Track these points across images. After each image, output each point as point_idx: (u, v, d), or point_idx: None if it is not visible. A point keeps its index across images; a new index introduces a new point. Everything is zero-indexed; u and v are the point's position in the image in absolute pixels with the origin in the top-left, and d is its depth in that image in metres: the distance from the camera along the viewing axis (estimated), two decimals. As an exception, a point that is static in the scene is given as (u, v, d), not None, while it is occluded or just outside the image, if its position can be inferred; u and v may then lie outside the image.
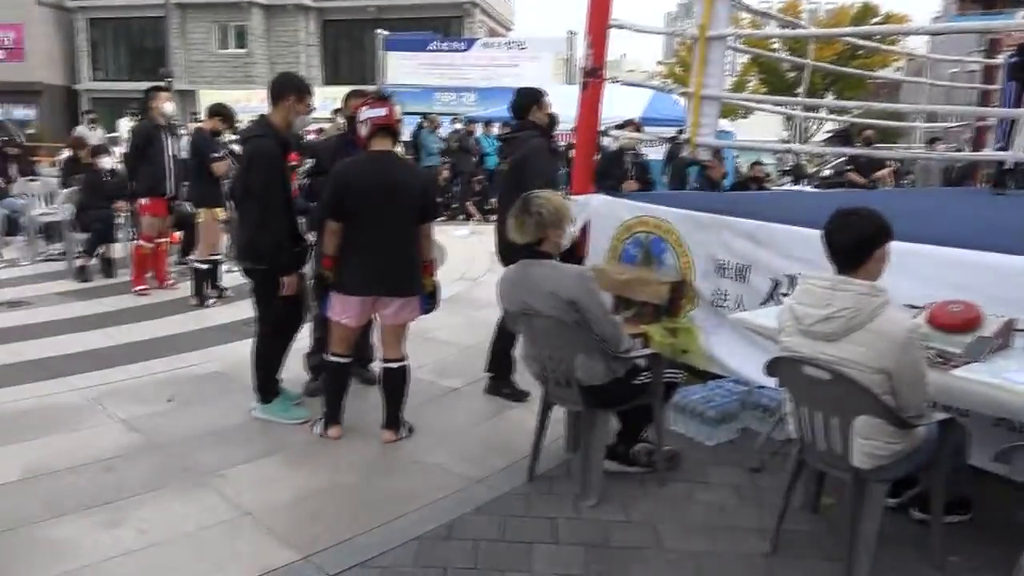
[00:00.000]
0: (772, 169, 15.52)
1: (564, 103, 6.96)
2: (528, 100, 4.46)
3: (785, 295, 4.05)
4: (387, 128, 3.75)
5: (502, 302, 3.41)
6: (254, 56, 30.32)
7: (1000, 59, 8.23)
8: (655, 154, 10.44)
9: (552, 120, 4.55)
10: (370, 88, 5.19)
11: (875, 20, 29.87)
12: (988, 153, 7.46)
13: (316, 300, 3.94)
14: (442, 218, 12.69)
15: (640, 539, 2.99)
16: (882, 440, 2.59)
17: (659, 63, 33.84)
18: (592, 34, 5.59)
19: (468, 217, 13.42)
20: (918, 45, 21.51)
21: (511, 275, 3.35)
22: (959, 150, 11.21)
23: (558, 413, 3.57)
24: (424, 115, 15.46)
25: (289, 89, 3.96)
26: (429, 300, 3.94)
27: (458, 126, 15.07)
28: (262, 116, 4.08)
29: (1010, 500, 2.89)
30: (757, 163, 11.47)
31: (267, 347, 4.10)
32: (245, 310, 4.63)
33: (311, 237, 4.17)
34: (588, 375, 3.21)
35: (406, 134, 14.24)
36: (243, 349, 4.46)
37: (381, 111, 3.72)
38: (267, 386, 4.12)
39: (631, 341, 3.39)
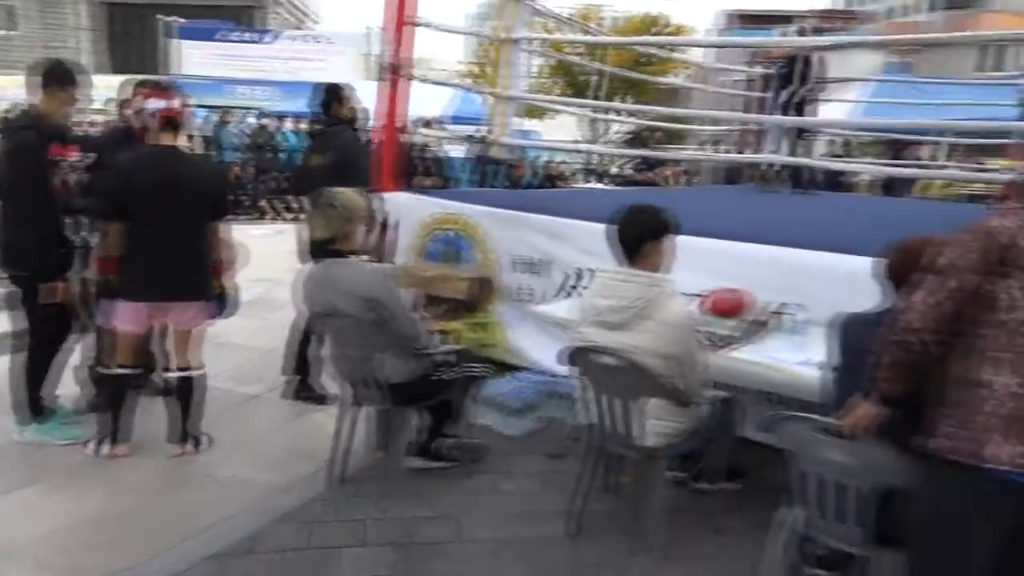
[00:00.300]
0: (575, 168, 16.21)
1: (366, 100, 6.83)
2: (329, 97, 4.44)
3: (579, 288, 4.26)
4: (171, 121, 3.50)
5: (304, 302, 3.29)
6: (22, 39, 27.23)
7: (769, 70, 9.08)
8: (460, 152, 10.59)
9: (357, 115, 4.52)
10: (155, 78, 4.82)
11: (659, 30, 32.08)
12: (755, 155, 8.23)
13: (91, 307, 3.60)
14: (242, 217, 12.10)
15: (444, 533, 3.01)
16: (668, 420, 2.79)
17: (459, 62, 34.29)
18: (392, 31, 5.55)
19: (269, 215, 12.88)
20: (702, 55, 23.31)
21: (313, 274, 3.25)
22: (740, 152, 12.31)
23: (363, 413, 3.50)
24: (224, 109, 14.63)
25: (53, 78, 3.60)
26: (223, 303, 3.73)
27: (264, 121, 14.36)
28: (29, 106, 3.68)
29: (774, 466, 3.20)
30: (551, 162, 11.93)
31: (32, 361, 3.68)
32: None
33: (88, 238, 3.80)
34: (393, 373, 3.18)
35: (205, 128, 13.44)
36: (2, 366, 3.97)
37: (164, 102, 3.47)
38: (33, 404, 3.71)
39: (432, 338, 3.40)
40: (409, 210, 5.32)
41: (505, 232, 4.85)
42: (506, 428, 3.99)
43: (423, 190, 6.34)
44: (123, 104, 4.19)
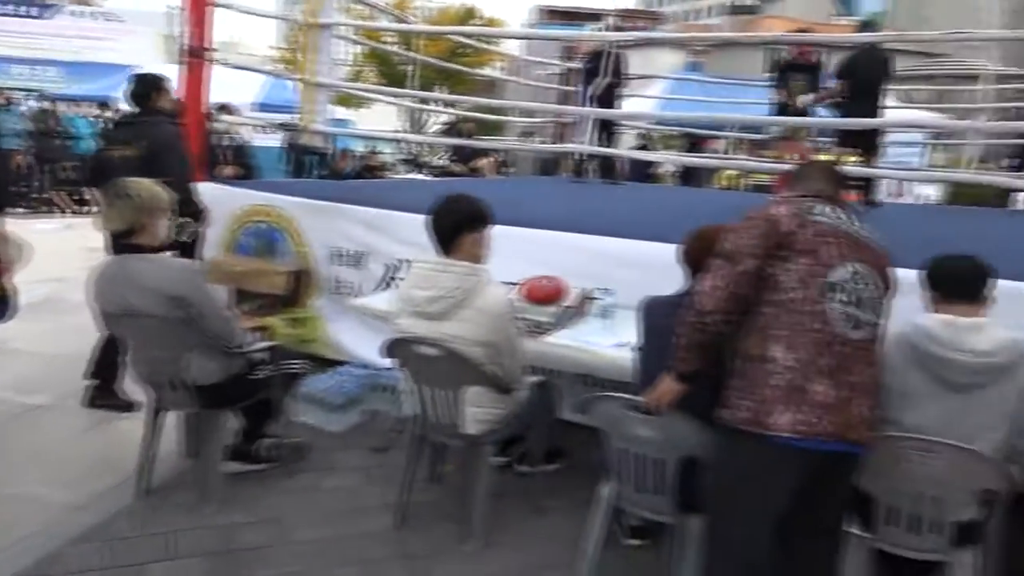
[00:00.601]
0: (395, 159, 16.06)
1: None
2: (147, 87, 4.14)
3: (398, 279, 4.24)
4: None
5: (96, 302, 3.02)
6: None
7: (577, 64, 9.46)
8: (273, 141, 10.15)
9: (177, 107, 4.23)
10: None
11: (476, 21, 32.46)
12: (566, 146, 8.57)
13: None
14: (26, 210, 10.94)
15: (265, 537, 2.89)
16: (489, 407, 2.84)
17: (271, 47, 32.83)
18: (193, 11, 5.21)
19: (57, 209, 11.73)
20: (515, 48, 23.85)
21: (106, 271, 2.98)
22: (554, 143, 12.74)
23: (171, 419, 3.28)
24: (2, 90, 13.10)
25: None
26: (2, 306, 3.34)
27: (46, 104, 13.00)
28: None
29: (593, 445, 3.36)
30: (373, 152, 11.77)
31: None
32: None
33: None
34: (202, 374, 3.00)
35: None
36: None
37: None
38: None
39: (246, 335, 3.24)
40: (217, 202, 5.03)
41: (321, 224, 4.72)
42: (328, 424, 3.90)
43: (229, 181, 6.02)
44: None
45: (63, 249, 8.21)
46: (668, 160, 10.40)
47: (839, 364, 2.00)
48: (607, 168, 8.44)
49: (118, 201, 2.91)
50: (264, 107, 12.03)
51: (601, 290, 3.54)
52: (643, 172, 11.33)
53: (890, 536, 2.29)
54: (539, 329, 3.22)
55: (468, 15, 32.08)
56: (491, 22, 31.98)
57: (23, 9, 19.97)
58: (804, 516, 2.08)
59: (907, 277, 2.32)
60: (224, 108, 8.03)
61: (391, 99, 12.15)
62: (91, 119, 13.14)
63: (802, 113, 6.92)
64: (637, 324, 2.67)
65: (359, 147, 14.48)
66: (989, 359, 2.16)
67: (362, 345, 4.38)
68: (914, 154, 11.35)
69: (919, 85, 14.45)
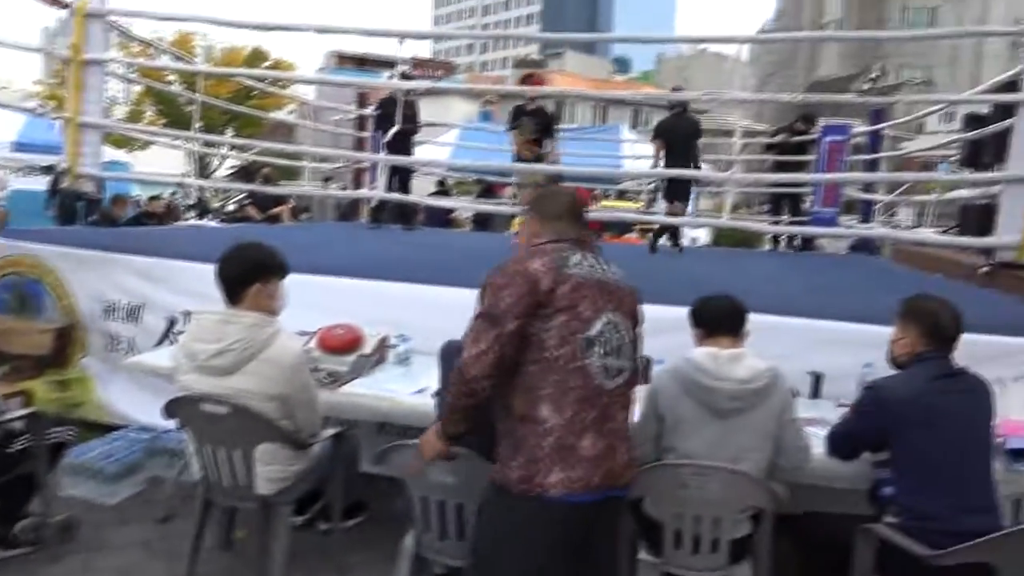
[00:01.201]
0: (182, 204, 15.11)
1: None
2: None
3: (179, 333, 3.97)
4: None
5: None
6: None
7: (370, 111, 9.49)
8: (37, 184, 9.21)
9: None
10: None
11: (266, 64, 31.62)
12: (362, 191, 8.55)
13: None
14: None
15: (26, 633, 2.55)
16: (283, 464, 2.71)
17: (36, 83, 29.94)
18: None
19: None
20: (308, 92, 23.43)
21: None
22: (346, 188, 12.60)
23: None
24: None
25: None
26: None
27: None
28: None
29: (393, 495, 3.31)
30: (154, 198, 11.03)
31: None
32: None
33: None
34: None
35: None
36: None
37: None
38: None
39: (2, 404, 2.89)
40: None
41: (90, 275, 4.33)
42: (102, 496, 3.53)
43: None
44: None
45: None
46: (460, 207, 10.65)
47: (601, 415, 2.05)
48: (405, 214, 8.49)
49: None
50: (22, 147, 10.89)
51: (398, 337, 3.53)
52: (440, 218, 11.52)
53: (677, 559, 2.44)
54: (336, 379, 3.15)
55: (256, 57, 31.19)
56: (279, 65, 31.28)
57: None
58: (581, 565, 2.10)
59: (678, 315, 2.53)
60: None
61: (174, 141, 11.48)
62: None
63: (538, 159, 7.28)
64: (438, 369, 2.68)
65: (141, 191, 13.48)
66: (747, 385, 2.40)
67: (139, 406, 4.04)
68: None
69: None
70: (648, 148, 14.68)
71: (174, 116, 26.70)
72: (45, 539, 3.04)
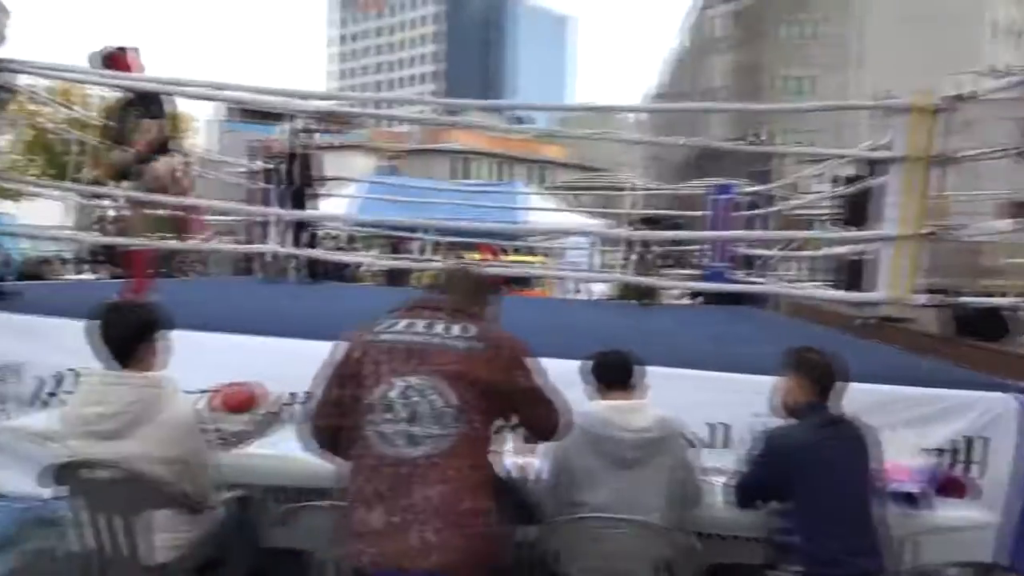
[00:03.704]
0: (65, 257, 14.36)
1: None
2: None
3: (57, 393, 3.78)
4: None
5: None
6: None
7: (270, 165, 9.36)
8: None
9: None
10: None
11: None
12: (258, 246, 8.40)
13: None
14: None
15: None
16: (178, 531, 2.59)
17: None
18: None
19: None
20: (205, 145, 22.89)
21: None
22: (248, 243, 12.29)
23: None
24: None
25: None
26: None
27: None
28: None
29: (299, 563, 3.19)
30: (45, 260, 10.49)
31: None
32: None
33: None
34: None
35: None
36: None
37: None
38: None
39: None
40: None
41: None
42: (-30, 574, 3.26)
43: None
44: None
45: None
46: (363, 261, 10.61)
47: (393, 488, 1.97)
48: (310, 267, 8.37)
49: None
50: None
51: (299, 395, 3.45)
52: (343, 273, 11.40)
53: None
54: (234, 439, 3.04)
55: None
56: (178, 117, 30.47)
57: None
58: None
59: (573, 368, 2.60)
60: None
61: (55, 192, 10.95)
62: None
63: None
64: None
65: (24, 246, 12.77)
66: (647, 434, 2.49)
67: (15, 474, 3.76)
68: (584, 255, 12.79)
69: (584, 192, 16.54)
70: (547, 203, 15.17)
71: (57, 166, 25.52)
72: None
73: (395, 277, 12.20)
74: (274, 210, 8.07)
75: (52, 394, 3.87)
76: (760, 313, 8.46)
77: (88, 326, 2.58)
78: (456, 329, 2.16)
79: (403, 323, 2.17)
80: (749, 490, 2.69)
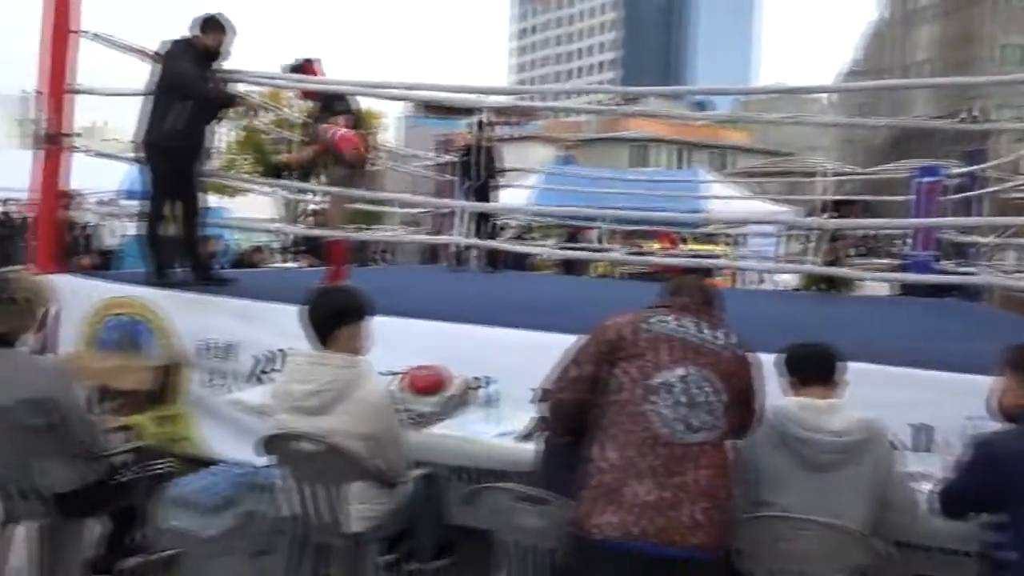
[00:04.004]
0: (273, 248, 15.74)
1: (22, 170, 6.08)
2: None
3: (272, 372, 4.11)
4: None
5: None
6: None
7: (452, 157, 9.73)
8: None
9: None
10: None
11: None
12: (444, 237, 8.74)
13: None
14: None
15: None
16: (372, 502, 2.76)
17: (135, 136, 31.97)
18: (50, 97, 5.03)
19: None
20: (389, 139, 24.18)
21: None
22: (433, 233, 12.88)
23: (22, 531, 2.98)
24: None
25: None
26: None
27: None
28: None
29: (483, 537, 3.32)
30: (257, 249, 11.51)
31: None
32: None
33: None
34: (58, 481, 2.78)
35: None
36: None
37: None
38: None
39: (110, 439, 3.04)
40: (75, 295, 4.77)
41: (190, 316, 4.54)
42: (201, 528, 3.65)
43: (87, 272, 5.74)
44: None
45: None
46: (541, 252, 10.76)
47: (666, 465, 2.02)
48: (490, 257, 8.62)
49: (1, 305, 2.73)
50: (130, 194, 11.58)
51: (483, 379, 3.56)
52: (523, 261, 11.65)
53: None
54: (422, 420, 3.19)
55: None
56: (369, 114, 32.39)
57: None
58: None
59: (766, 361, 2.48)
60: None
61: (265, 188, 11.98)
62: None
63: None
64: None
65: (238, 236, 14.12)
66: (846, 438, 2.31)
67: (235, 442, 4.17)
68: (771, 244, 12.22)
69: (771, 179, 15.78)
70: (730, 190, 14.62)
71: (266, 163, 27.91)
72: (149, 572, 3.16)
73: (572, 266, 12.28)
74: (459, 202, 8.36)
75: (265, 372, 4.23)
76: (970, 306, 7.69)
77: (300, 310, 2.81)
78: (720, 334, 2.28)
79: (672, 319, 2.25)
80: (957, 499, 2.45)
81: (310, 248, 10.53)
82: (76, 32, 5.06)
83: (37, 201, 5.15)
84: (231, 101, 4.86)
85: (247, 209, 15.30)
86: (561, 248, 10.67)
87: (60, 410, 2.73)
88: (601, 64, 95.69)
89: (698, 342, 2.21)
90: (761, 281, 12.06)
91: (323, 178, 5.59)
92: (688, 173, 19.78)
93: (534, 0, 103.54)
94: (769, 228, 11.70)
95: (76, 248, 7.14)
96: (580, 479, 2.09)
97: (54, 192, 5.11)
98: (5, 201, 12.48)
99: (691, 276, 3.06)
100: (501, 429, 3.10)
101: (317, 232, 7.81)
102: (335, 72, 5.79)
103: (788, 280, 11.79)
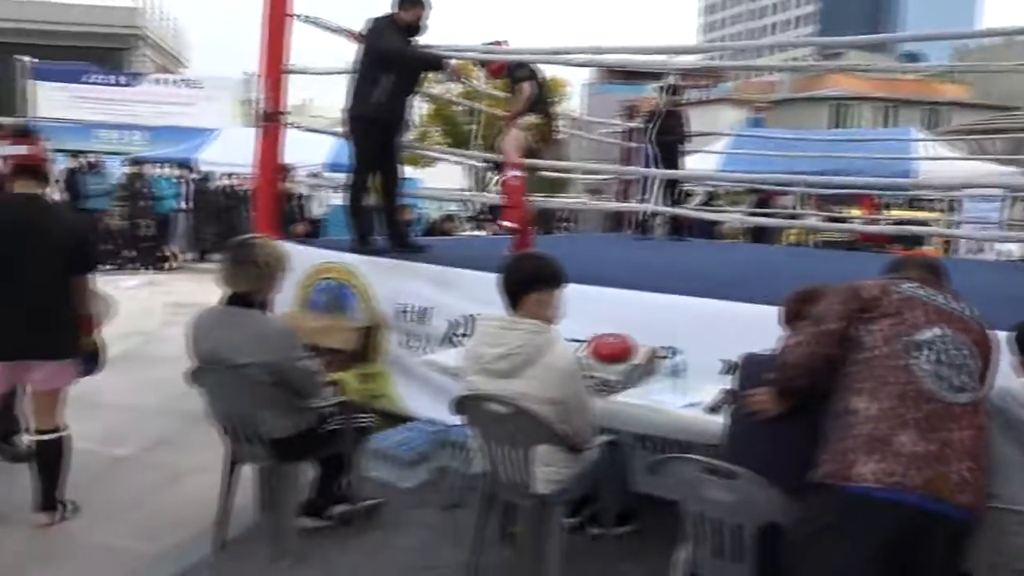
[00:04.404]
0: (462, 216, 16.38)
1: (245, 146, 6.71)
2: None
3: (463, 335, 4.27)
4: (30, 168, 3.30)
5: (191, 346, 3.12)
6: None
7: (638, 123, 9.58)
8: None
9: None
10: (7, 120, 4.54)
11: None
12: (631, 204, 8.62)
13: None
14: (110, 267, 11.48)
15: (337, 594, 2.91)
16: (559, 466, 2.82)
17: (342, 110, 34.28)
18: (268, 78, 5.48)
19: (142, 266, 12.30)
20: (574, 108, 24.19)
21: (205, 320, 3.11)
22: (620, 200, 12.79)
23: (248, 472, 3.35)
24: (88, 154, 13.87)
25: None
26: (91, 361, 3.51)
27: (135, 168, 13.62)
28: None
29: (666, 506, 3.31)
30: (449, 218, 11.98)
31: None
32: None
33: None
34: (276, 428, 3.08)
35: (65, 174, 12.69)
36: None
37: (22, 148, 3.28)
38: None
39: (328, 392, 3.32)
40: (291, 260, 5.22)
41: (388, 281, 4.83)
42: (399, 480, 3.92)
43: (301, 239, 6.25)
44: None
45: (145, 305, 8.58)
46: (731, 219, 10.34)
47: (929, 420, 1.95)
48: (675, 225, 8.44)
49: (243, 267, 3.05)
50: (335, 167, 12.46)
51: (668, 349, 3.51)
52: (710, 229, 11.30)
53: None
54: (607, 387, 3.21)
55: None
56: (554, 82, 32.55)
57: (112, 79, 21.20)
58: None
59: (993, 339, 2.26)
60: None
61: (456, 158, 12.43)
62: (173, 179, 13.83)
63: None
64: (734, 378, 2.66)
65: (429, 206, 14.80)
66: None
67: (430, 400, 4.42)
68: (994, 209, 11.03)
69: (992, 137, 14.16)
70: (944, 150, 13.27)
71: (456, 135, 28.94)
72: (354, 521, 3.44)
73: (762, 234, 11.76)
74: (641, 170, 8.22)
75: (455, 335, 4.42)
76: None
77: (484, 276, 2.91)
78: (963, 305, 2.21)
79: (910, 285, 2.21)
80: None
81: (496, 217, 10.82)
82: (291, 16, 5.47)
83: (258, 174, 5.66)
84: (438, 63, 5.05)
85: (438, 179, 15.97)
86: (750, 214, 10.18)
87: (284, 370, 3.02)
88: (796, 19, 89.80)
89: (949, 309, 2.15)
90: (980, 250, 10.94)
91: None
92: (896, 132, 18.14)
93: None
94: (991, 191, 10.53)
95: (291, 217, 7.79)
96: (831, 434, 2.06)
97: (273, 166, 5.58)
98: (230, 175, 13.87)
99: (915, 253, 2.92)
100: (688, 400, 3.05)
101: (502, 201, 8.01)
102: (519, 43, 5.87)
103: (1012, 250, 10.60)
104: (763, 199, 12.44)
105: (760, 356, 2.58)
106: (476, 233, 13.57)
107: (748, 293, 3.84)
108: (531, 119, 5.33)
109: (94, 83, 20.61)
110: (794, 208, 12.23)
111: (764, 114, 29.01)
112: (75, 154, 13.44)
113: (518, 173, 5.18)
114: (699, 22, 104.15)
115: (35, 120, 16.18)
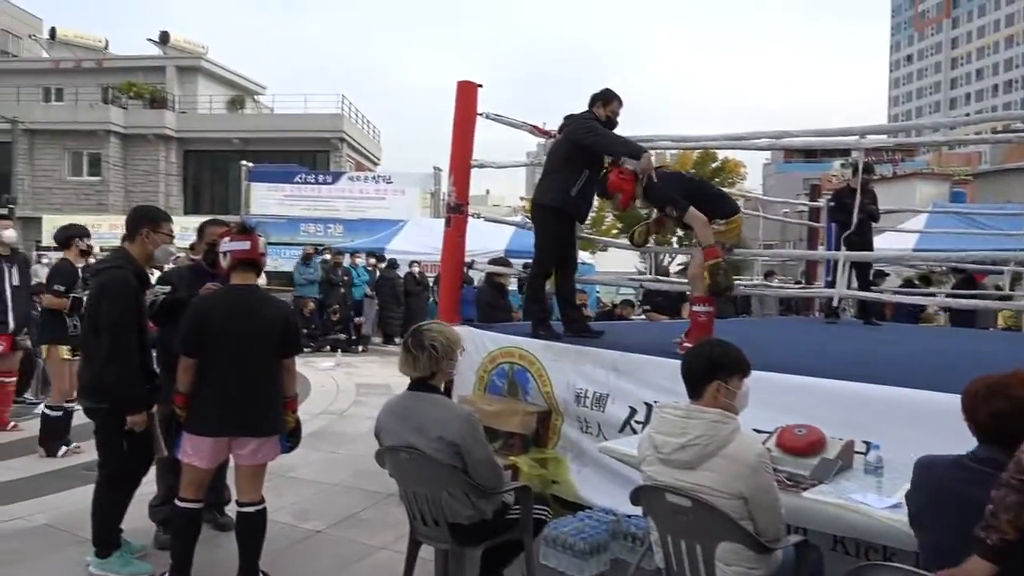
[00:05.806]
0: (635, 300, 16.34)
1: (431, 236, 7.13)
2: None
3: (640, 423, 4.18)
4: (249, 262, 3.69)
5: (380, 431, 3.29)
6: (109, 184, 29.40)
7: (821, 202, 9.20)
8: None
9: None
10: (226, 218, 5.12)
11: (714, 165, 32.83)
12: (816, 289, 8.21)
13: (165, 442, 3.69)
14: (307, 350, 12.40)
15: None
16: (744, 566, 2.64)
17: (522, 198, 35.59)
18: (455, 172, 5.83)
19: (334, 349, 13.19)
20: (753, 187, 23.70)
21: (395, 407, 3.28)
22: (797, 283, 12.23)
23: (428, 552, 3.42)
24: (303, 246, 15.54)
25: (142, 221, 3.92)
26: (290, 438, 3.78)
27: (336, 258, 14.88)
28: (120, 247, 3.95)
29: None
30: (627, 302, 12.00)
31: (107, 495, 3.76)
32: (90, 453, 4.26)
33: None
34: (458, 515, 3.13)
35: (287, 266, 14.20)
36: (83, 497, 4.06)
37: (244, 244, 3.66)
38: (106, 538, 3.75)
39: (507, 480, 3.36)
40: (471, 343, 5.40)
41: (566, 365, 4.85)
42: (576, 570, 3.84)
43: (481, 324, 6.44)
44: (193, 245, 4.52)
45: (336, 386, 9.15)
46: (930, 301, 9.55)
47: None
48: (864, 308, 7.93)
49: (418, 352, 3.22)
50: (510, 253, 12.91)
51: (865, 443, 3.25)
52: (910, 312, 10.51)
53: None
54: (796, 483, 3.00)
55: (705, 158, 32.61)
56: (731, 164, 32.17)
57: (320, 178, 23.56)
58: None
59: None
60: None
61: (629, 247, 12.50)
62: (367, 267, 14.93)
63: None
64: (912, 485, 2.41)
65: (601, 290, 14.86)
66: None
67: (604, 489, 4.34)
68: None
69: None
70: None
71: (628, 218, 29.11)
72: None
73: (969, 317, 10.74)
74: (829, 253, 7.85)
75: (637, 422, 4.30)
76: None
77: (665, 362, 2.86)
78: None
79: None
80: None
81: (654, 305, 10.66)
82: (479, 114, 5.82)
83: (444, 262, 5.96)
84: (640, 153, 4.89)
85: (611, 263, 16.09)
86: (952, 296, 9.35)
87: (465, 453, 3.09)
88: (994, 87, 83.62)
89: None
90: None
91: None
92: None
93: (916, 24, 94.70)
94: None
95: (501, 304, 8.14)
96: None
97: (458, 254, 5.88)
98: (412, 263, 14.76)
99: None
100: (891, 501, 2.78)
101: (669, 285, 7.92)
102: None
103: None
104: (970, 279, 11.42)
105: (946, 459, 2.32)
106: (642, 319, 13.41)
107: (951, 382, 3.50)
108: (717, 227, 5.00)
109: (302, 183, 22.97)
110: (1005, 289, 11.09)
111: (965, 188, 26.91)
112: (291, 246, 15.04)
113: (708, 308, 4.77)
114: (893, 94, 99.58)
115: (251, 216, 18.17)
